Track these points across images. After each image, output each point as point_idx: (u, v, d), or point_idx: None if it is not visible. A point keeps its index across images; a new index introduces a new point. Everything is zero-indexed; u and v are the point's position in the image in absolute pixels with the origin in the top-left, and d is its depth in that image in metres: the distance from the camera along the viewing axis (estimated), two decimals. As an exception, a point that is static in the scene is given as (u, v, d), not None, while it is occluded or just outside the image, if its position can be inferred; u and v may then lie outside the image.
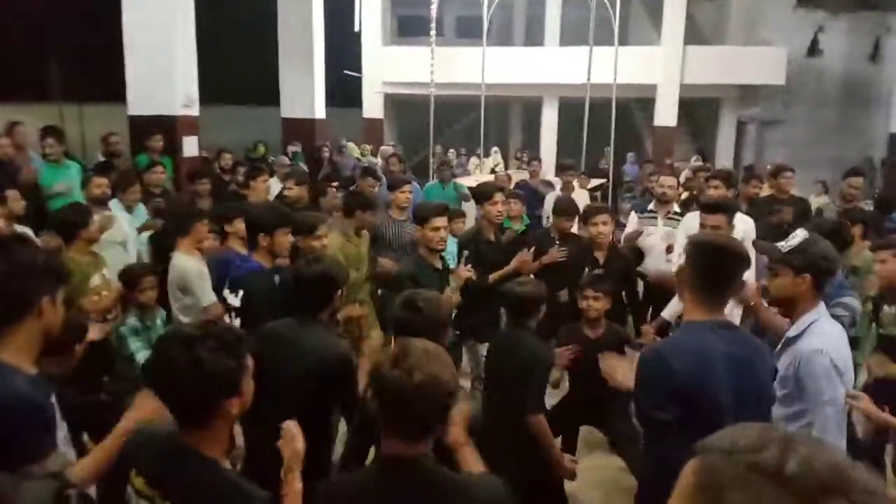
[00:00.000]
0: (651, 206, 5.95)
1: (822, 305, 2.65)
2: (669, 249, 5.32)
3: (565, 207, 5.45)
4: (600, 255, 4.85)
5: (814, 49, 16.66)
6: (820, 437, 2.33)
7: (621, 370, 2.81)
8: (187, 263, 4.23)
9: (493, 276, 4.66)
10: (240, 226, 4.73)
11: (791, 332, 2.65)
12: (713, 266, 2.32)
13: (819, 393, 2.47)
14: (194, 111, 8.28)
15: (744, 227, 4.81)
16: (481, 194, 4.97)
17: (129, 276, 3.96)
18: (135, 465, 1.77)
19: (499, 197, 4.87)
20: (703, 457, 0.83)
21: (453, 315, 3.74)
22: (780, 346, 2.72)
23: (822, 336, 2.56)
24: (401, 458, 1.73)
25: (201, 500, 1.70)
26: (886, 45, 16.20)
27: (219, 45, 13.15)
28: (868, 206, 7.02)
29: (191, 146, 8.28)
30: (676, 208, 5.90)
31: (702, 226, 4.23)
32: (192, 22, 8.12)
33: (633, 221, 5.98)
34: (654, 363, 2.28)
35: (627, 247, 5.67)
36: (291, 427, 2.14)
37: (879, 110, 15.88)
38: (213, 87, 10.06)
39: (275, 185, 7.74)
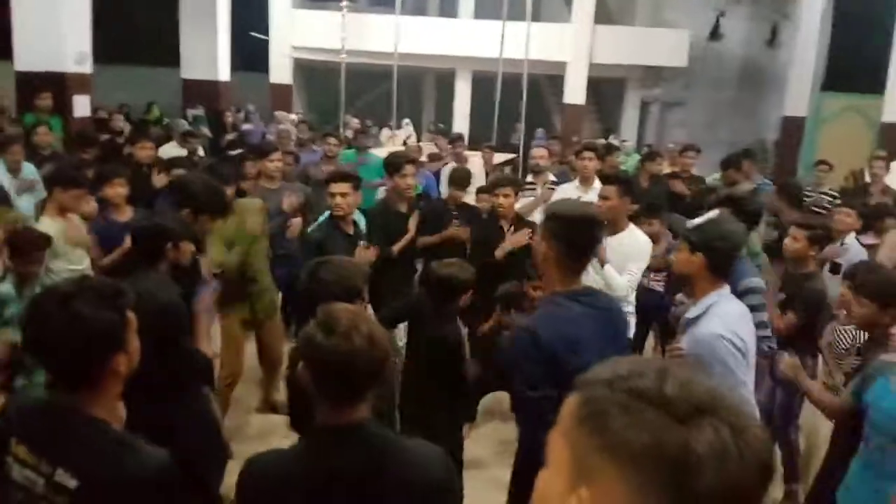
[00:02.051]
0: (529, 178, 6.22)
1: (725, 288, 2.66)
2: None
3: (461, 177, 5.64)
4: (505, 226, 4.87)
5: (715, 33, 17.31)
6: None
7: None
8: (49, 228, 3.98)
9: (395, 247, 4.63)
10: (120, 190, 4.54)
11: (690, 313, 2.67)
12: (575, 235, 2.33)
13: (730, 375, 2.49)
14: (86, 69, 7.81)
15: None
16: (391, 166, 4.85)
17: (20, 243, 3.56)
18: (15, 433, 1.65)
19: (409, 169, 4.78)
20: (584, 390, 0.84)
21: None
22: (682, 326, 2.75)
23: (722, 318, 2.56)
24: (342, 426, 1.65)
25: (93, 463, 1.58)
26: (783, 32, 17.02)
27: (115, 1, 12.41)
28: (766, 183, 7.40)
29: (82, 106, 7.81)
30: (552, 177, 6.22)
31: (600, 196, 4.33)
32: (86, -27, 7.63)
33: None
34: (526, 339, 2.26)
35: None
36: None
37: (774, 94, 16.71)
38: (109, 44, 9.50)
39: (172, 150, 7.43)
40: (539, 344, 2.21)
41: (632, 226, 4.32)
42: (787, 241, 4.19)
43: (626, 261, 4.02)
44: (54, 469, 1.58)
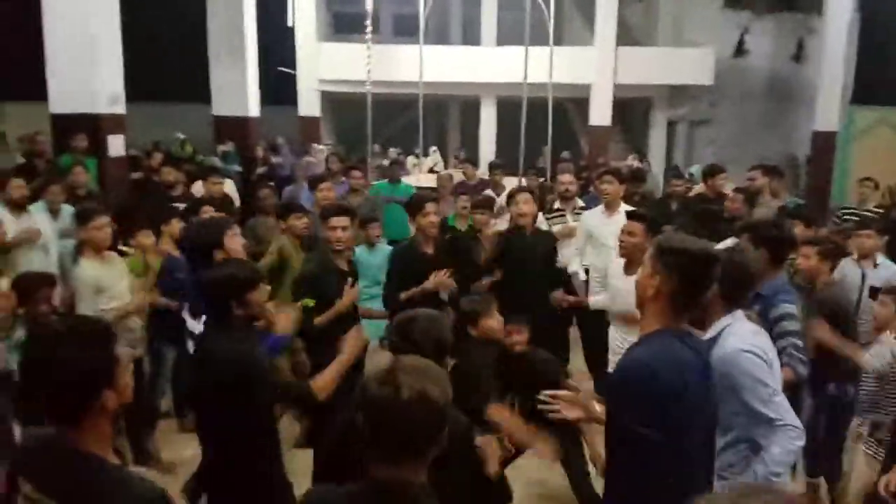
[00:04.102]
0: (557, 205, 6.13)
1: (738, 312, 2.66)
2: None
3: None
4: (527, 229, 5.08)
5: (740, 49, 17.22)
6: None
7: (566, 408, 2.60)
8: (87, 268, 4.09)
9: (404, 295, 4.40)
10: (176, 226, 4.67)
11: (704, 337, 2.63)
12: (694, 272, 2.21)
13: (763, 387, 2.48)
14: (120, 109, 7.97)
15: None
16: (413, 206, 4.66)
17: (24, 286, 3.61)
18: (22, 471, 1.73)
19: (431, 207, 4.58)
20: None
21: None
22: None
23: (738, 335, 2.57)
24: (388, 483, 1.62)
25: (89, 499, 1.66)
26: (809, 46, 16.86)
27: (145, 40, 12.71)
28: (797, 201, 7.28)
29: (116, 146, 7.97)
30: (581, 203, 6.23)
31: (625, 231, 4.28)
32: (117, 14, 7.81)
33: (540, 220, 6.10)
34: (641, 374, 2.16)
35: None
36: None
37: (803, 109, 16.50)
38: (140, 83, 9.71)
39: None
40: (658, 380, 2.11)
41: None
42: (798, 260, 4.16)
43: None
44: None
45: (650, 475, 2.14)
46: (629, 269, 4.18)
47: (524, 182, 9.14)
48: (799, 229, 4.58)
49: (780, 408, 2.49)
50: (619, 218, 4.88)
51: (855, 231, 5.07)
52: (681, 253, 2.22)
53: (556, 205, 6.23)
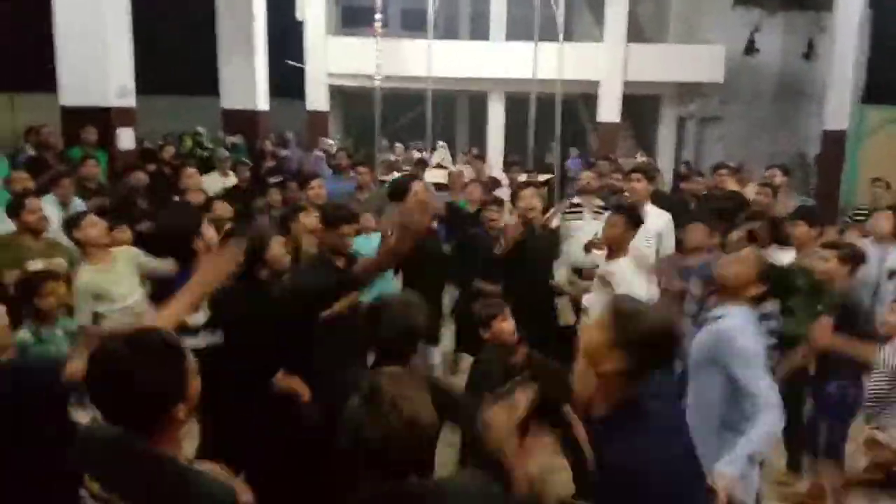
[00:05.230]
0: (576, 199, 5.97)
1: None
2: (588, 248, 5.22)
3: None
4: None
5: (751, 48, 17.12)
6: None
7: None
8: (85, 273, 3.91)
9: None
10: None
11: (715, 312, 2.93)
12: (652, 353, 1.83)
13: (756, 364, 2.68)
14: (130, 101, 7.98)
15: (660, 222, 5.07)
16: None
17: (27, 283, 3.48)
18: (88, 469, 1.71)
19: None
20: None
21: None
22: (700, 321, 3.12)
23: (742, 316, 2.84)
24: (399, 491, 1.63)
25: (162, 498, 1.64)
26: (820, 45, 16.73)
27: (155, 33, 12.70)
28: (807, 201, 7.31)
29: (126, 138, 7.97)
30: (600, 202, 5.95)
31: (607, 223, 4.30)
32: (127, 7, 7.82)
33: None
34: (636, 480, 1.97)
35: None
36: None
37: (813, 108, 16.40)
38: (150, 76, 9.71)
39: (216, 181, 7.54)
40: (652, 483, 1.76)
41: (631, 256, 4.26)
42: (816, 262, 4.09)
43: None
44: None
45: None
46: (609, 257, 4.29)
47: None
48: (803, 229, 4.51)
49: (767, 387, 2.64)
50: (648, 217, 4.75)
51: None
52: (637, 329, 1.83)
53: (575, 199, 6.00)
